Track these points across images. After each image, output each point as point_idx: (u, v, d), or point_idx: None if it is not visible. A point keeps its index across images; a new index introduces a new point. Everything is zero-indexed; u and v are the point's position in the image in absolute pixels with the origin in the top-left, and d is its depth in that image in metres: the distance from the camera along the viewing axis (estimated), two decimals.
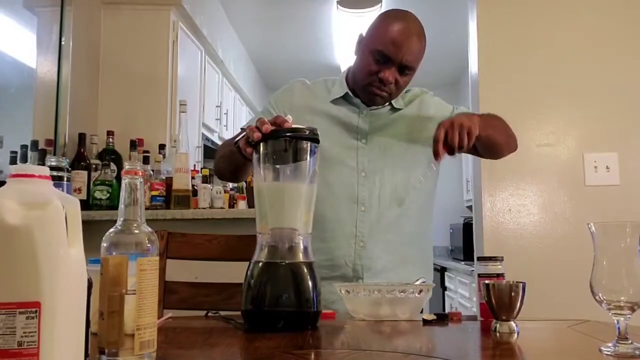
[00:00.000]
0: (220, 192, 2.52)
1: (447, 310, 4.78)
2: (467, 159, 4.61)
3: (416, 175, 1.49)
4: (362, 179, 1.45)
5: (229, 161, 1.39)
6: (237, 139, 1.17)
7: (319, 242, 1.42)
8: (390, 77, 1.39)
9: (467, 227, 4.44)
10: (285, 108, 1.51)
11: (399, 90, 1.45)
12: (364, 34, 1.46)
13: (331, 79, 1.59)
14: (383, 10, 3.94)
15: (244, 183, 2.64)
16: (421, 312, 1.20)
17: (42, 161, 2.20)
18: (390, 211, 1.46)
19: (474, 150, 1.41)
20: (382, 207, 1.45)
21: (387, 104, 1.50)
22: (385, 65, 1.38)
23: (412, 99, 1.55)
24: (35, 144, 2.33)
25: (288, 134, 1.07)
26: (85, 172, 2.46)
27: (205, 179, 2.58)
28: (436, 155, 1.22)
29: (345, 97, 1.51)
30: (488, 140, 1.37)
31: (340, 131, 1.48)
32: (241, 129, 1.48)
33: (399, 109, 1.52)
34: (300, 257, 1.06)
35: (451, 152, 1.23)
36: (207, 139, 3.71)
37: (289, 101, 1.54)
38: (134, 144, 2.61)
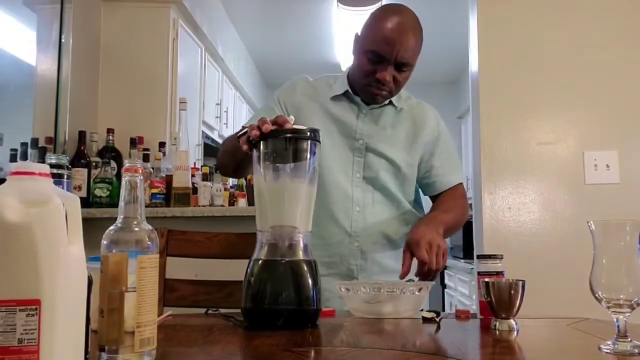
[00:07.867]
0: (220, 190, 2.52)
1: (446, 308, 4.79)
2: (467, 157, 4.61)
3: (411, 179, 1.50)
4: (358, 179, 1.45)
5: (232, 155, 1.38)
6: (239, 134, 1.17)
7: (317, 238, 1.43)
8: (388, 76, 1.35)
9: (467, 225, 4.41)
10: (288, 105, 1.49)
11: (398, 87, 1.42)
12: (359, 33, 1.43)
13: (333, 76, 1.56)
14: None
15: (244, 181, 2.64)
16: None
17: (42, 159, 2.20)
18: (385, 213, 1.46)
19: None
20: (376, 209, 1.45)
21: (388, 101, 1.48)
22: (381, 64, 1.35)
23: (412, 103, 1.54)
24: (35, 141, 2.33)
25: (288, 134, 1.06)
26: (85, 170, 2.46)
27: (205, 177, 2.58)
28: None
29: (346, 95, 1.48)
30: (446, 235, 1.40)
31: (339, 130, 1.47)
32: (242, 127, 1.47)
33: (399, 110, 1.50)
34: (300, 254, 1.06)
35: (429, 274, 1.24)
36: (207, 136, 3.71)
37: (291, 98, 1.51)
38: (134, 142, 2.61)
